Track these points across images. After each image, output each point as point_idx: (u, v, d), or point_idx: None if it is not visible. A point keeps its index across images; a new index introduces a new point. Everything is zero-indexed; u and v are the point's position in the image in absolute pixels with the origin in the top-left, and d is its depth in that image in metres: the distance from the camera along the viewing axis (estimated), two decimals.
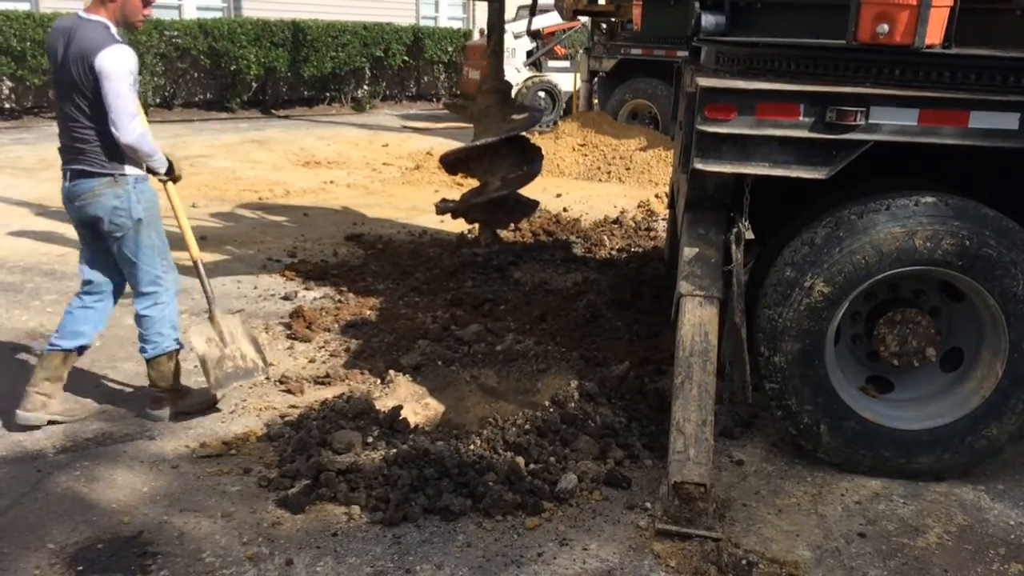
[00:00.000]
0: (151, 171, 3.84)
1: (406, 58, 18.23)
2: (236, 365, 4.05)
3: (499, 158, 5.97)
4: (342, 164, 10.93)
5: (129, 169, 3.70)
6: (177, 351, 4.00)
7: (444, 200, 6.23)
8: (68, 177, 3.72)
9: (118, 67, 3.51)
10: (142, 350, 3.94)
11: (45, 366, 3.89)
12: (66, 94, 3.62)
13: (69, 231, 4.23)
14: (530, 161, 6.14)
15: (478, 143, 5.84)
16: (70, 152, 3.70)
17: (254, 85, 15.98)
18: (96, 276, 3.92)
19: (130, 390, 4.31)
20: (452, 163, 6.18)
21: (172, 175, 3.93)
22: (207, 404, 4.06)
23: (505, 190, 5.96)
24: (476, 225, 6.69)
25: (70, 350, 3.92)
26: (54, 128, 13.64)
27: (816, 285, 3.47)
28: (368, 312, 5.42)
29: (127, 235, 3.74)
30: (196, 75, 15.48)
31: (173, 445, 3.76)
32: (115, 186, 3.67)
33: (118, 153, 3.65)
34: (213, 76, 15.50)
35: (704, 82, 3.43)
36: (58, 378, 3.91)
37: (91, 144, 3.64)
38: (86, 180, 3.67)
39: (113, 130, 3.56)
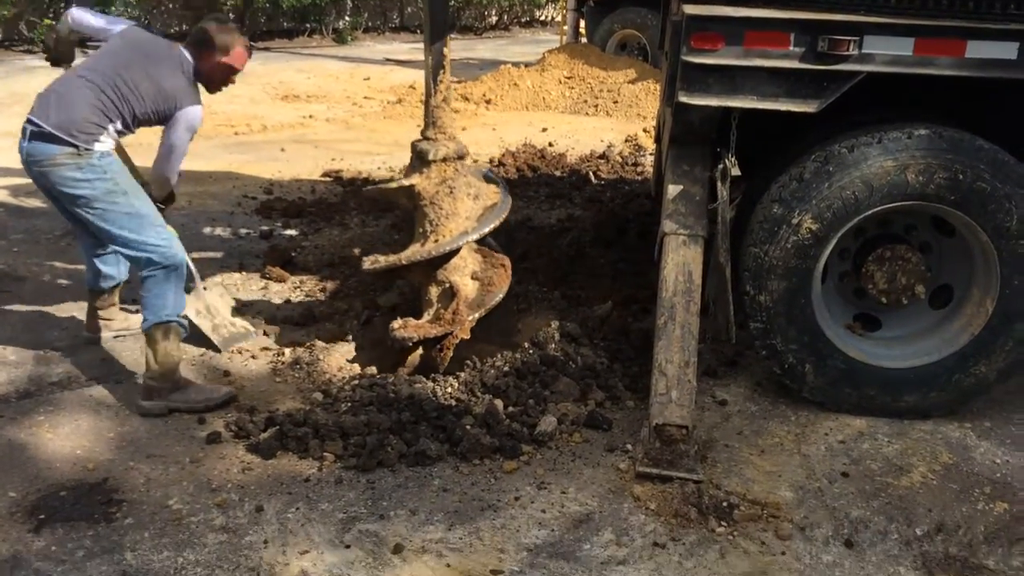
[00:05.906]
0: (153, 197, 3.69)
1: None
2: (231, 331, 4.12)
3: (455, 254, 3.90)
4: (322, 98, 10.66)
5: (98, 146, 3.37)
6: (178, 329, 3.54)
7: (401, 328, 3.78)
8: (28, 136, 3.35)
9: (193, 125, 3.63)
10: (143, 321, 3.52)
11: (92, 299, 4.06)
12: (122, 66, 3.45)
13: None
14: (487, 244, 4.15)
15: (449, 246, 3.75)
16: (55, 105, 3.35)
17: (231, 16, 15.54)
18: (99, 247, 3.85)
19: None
20: (390, 274, 4.04)
21: (169, 202, 3.92)
22: (210, 403, 3.50)
23: (493, 300, 3.91)
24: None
25: (105, 289, 4.03)
26: (25, 62, 13.10)
27: (804, 222, 3.36)
28: (346, 251, 5.29)
29: (97, 207, 3.40)
30: (171, 5, 15.10)
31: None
32: (77, 158, 3.33)
33: (99, 131, 3.37)
34: (189, 6, 15.07)
35: (690, 9, 3.26)
36: (110, 305, 4.10)
37: (90, 109, 3.34)
38: (45, 144, 3.32)
39: (159, 163, 3.64)
